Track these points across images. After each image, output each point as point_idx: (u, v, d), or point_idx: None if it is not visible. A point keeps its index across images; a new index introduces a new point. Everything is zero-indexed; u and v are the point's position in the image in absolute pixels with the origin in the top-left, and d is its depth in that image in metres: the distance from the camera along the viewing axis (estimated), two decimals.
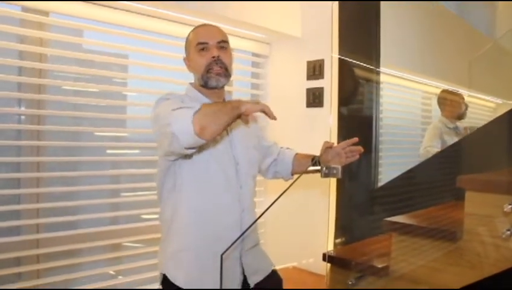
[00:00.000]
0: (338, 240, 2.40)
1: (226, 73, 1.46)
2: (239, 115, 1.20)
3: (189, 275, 1.42)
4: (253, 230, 1.54)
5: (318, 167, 1.55)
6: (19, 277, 1.92)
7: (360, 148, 1.56)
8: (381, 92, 2.60)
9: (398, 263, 1.94)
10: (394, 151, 2.93)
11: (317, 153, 1.60)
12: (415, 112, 3.10)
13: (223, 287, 1.40)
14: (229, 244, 1.31)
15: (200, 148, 1.36)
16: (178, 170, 1.42)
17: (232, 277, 1.45)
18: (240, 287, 1.46)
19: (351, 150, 1.55)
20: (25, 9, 1.91)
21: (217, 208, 1.43)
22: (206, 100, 1.46)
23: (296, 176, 1.70)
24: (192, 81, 1.54)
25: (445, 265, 1.88)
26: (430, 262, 1.91)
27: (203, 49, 1.45)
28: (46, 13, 1.97)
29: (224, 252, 1.16)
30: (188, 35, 1.52)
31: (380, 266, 1.94)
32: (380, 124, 2.56)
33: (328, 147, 1.55)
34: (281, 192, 1.32)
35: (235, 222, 1.46)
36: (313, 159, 1.61)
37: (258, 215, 1.51)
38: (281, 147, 1.77)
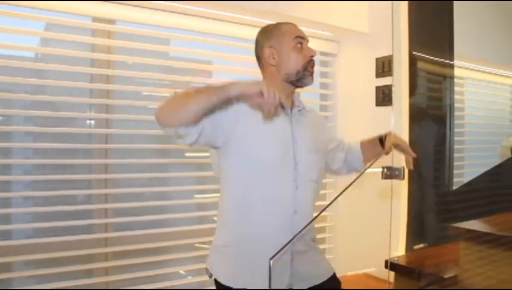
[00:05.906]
0: (408, 246, 2.26)
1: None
2: (228, 98, 1.15)
3: (230, 273, 1.38)
4: (307, 234, 1.44)
5: None
6: (90, 273, 2.06)
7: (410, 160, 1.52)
8: (459, 88, 2.40)
9: (465, 273, 1.78)
10: (476, 151, 2.67)
11: None
12: (502, 108, 2.80)
13: None
14: (275, 246, 1.23)
15: (251, 140, 1.33)
16: (225, 160, 1.39)
17: (280, 280, 1.37)
18: None
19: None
20: (94, 19, 2.07)
21: (264, 206, 1.35)
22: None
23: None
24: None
25: None
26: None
27: (300, 44, 1.41)
28: (113, 21, 2.12)
29: (273, 257, 1.13)
30: (276, 26, 1.45)
31: (445, 276, 1.79)
32: (457, 123, 2.35)
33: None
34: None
35: (284, 223, 1.36)
36: (380, 140, 1.56)
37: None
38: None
